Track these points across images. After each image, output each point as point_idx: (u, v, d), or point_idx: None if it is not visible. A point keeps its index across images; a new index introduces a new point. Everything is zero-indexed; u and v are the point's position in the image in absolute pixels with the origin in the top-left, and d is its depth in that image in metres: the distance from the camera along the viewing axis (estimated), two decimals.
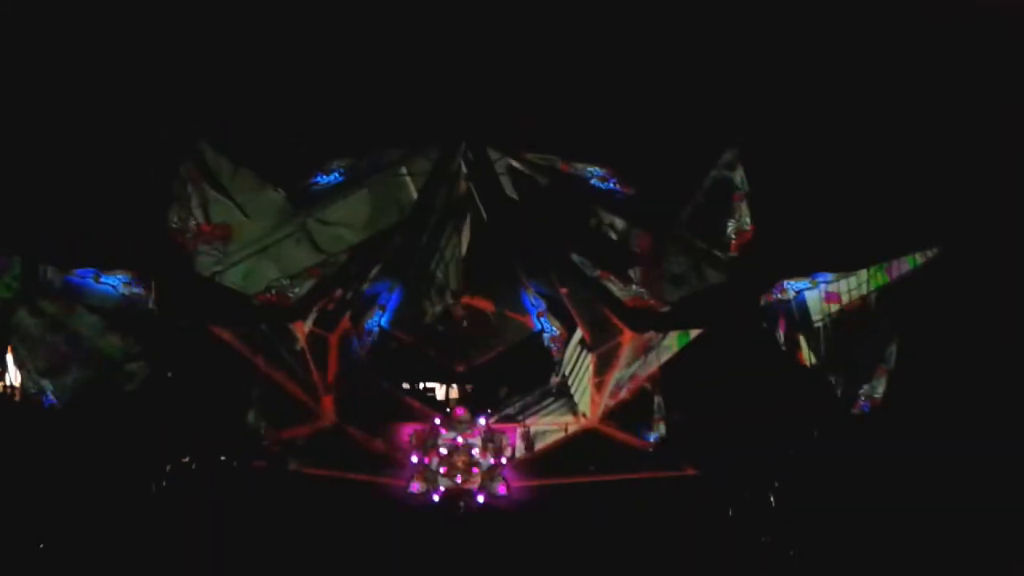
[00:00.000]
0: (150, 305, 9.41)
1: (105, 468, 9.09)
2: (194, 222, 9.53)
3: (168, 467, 9.32)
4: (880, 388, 9.89)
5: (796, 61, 10.29)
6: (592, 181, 10.21)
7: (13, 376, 9.48)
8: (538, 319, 10.05)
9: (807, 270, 10.18)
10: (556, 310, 10.10)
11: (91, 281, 9.38)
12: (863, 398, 9.99)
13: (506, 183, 10.08)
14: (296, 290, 9.67)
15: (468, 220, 9.99)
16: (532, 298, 10.11)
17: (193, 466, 9.38)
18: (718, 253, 10.14)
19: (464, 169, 9.87)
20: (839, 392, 9.99)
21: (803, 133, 10.15)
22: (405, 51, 9.94)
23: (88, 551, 8.54)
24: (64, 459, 9.06)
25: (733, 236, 10.13)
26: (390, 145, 9.96)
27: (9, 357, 9.39)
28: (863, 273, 9.99)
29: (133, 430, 9.22)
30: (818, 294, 10.17)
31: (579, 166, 10.27)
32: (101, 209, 9.42)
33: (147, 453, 9.25)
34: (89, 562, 8.45)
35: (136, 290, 9.42)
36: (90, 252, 9.44)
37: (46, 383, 9.21)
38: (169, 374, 9.51)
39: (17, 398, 9.45)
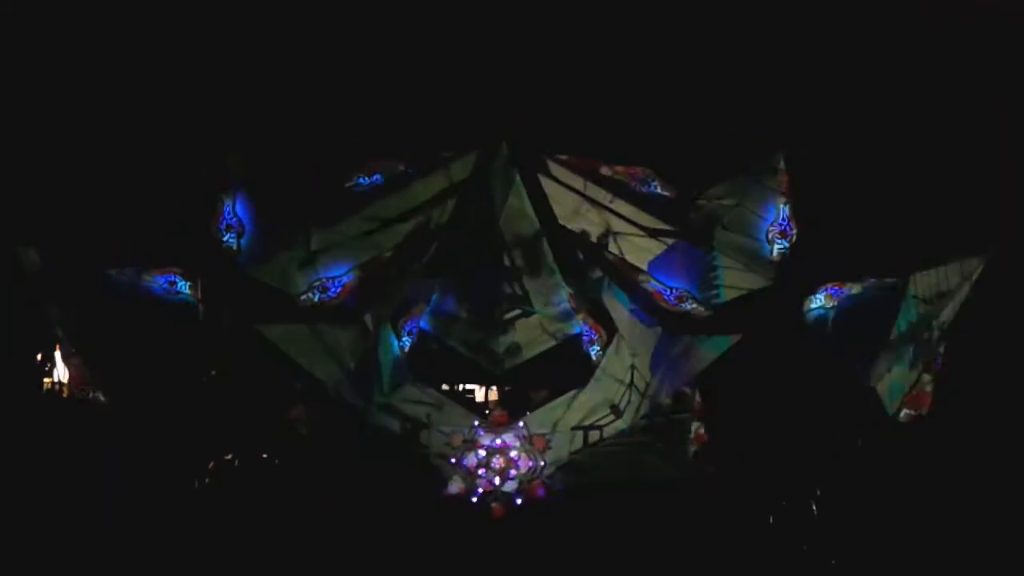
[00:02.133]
0: (196, 303, 9.53)
1: (150, 463, 9.20)
2: (238, 221, 9.61)
3: (211, 464, 9.42)
4: (925, 395, 9.77)
5: (842, 64, 10.20)
6: (633, 184, 10.17)
7: (61, 373, 9.64)
8: (578, 322, 10.04)
9: (852, 275, 10.08)
10: (596, 313, 10.11)
11: (138, 279, 9.51)
12: (907, 406, 9.86)
13: (547, 185, 10.07)
14: (337, 290, 9.75)
15: (507, 222, 9.99)
16: (572, 300, 10.10)
17: (236, 463, 9.47)
18: (760, 258, 10.05)
19: (505, 172, 9.88)
20: (883, 398, 9.86)
21: (847, 138, 10.06)
22: (446, 54, 9.98)
23: (133, 544, 8.63)
24: (110, 454, 9.16)
25: (776, 240, 10.03)
26: (432, 148, 9.98)
27: (57, 354, 9.59)
28: (909, 279, 9.89)
29: (178, 426, 9.33)
30: (862, 299, 10.05)
31: (620, 168, 10.24)
32: (148, 209, 9.54)
33: (191, 449, 9.36)
34: (134, 555, 8.54)
35: (182, 288, 9.55)
36: (138, 251, 9.58)
37: (94, 380, 9.34)
38: (213, 372, 9.60)
39: (65, 394, 9.59)
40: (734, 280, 10.10)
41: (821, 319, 10.09)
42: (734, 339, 9.72)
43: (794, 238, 10.06)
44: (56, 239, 9.36)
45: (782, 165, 10.06)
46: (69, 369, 9.41)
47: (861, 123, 10.15)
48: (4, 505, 8.75)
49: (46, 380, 9.83)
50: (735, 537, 9.17)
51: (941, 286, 9.79)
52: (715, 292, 10.04)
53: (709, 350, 9.76)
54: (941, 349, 9.78)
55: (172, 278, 9.60)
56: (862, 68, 10.18)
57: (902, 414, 9.85)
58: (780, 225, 10.05)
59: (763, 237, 10.08)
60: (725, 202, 10.12)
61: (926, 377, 9.79)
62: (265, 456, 9.61)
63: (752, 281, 10.08)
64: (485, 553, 9.05)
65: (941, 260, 9.81)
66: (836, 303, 10.09)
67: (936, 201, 10.06)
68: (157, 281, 9.57)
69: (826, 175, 10.05)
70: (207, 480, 9.44)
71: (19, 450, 9.11)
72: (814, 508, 9.55)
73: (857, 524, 9.36)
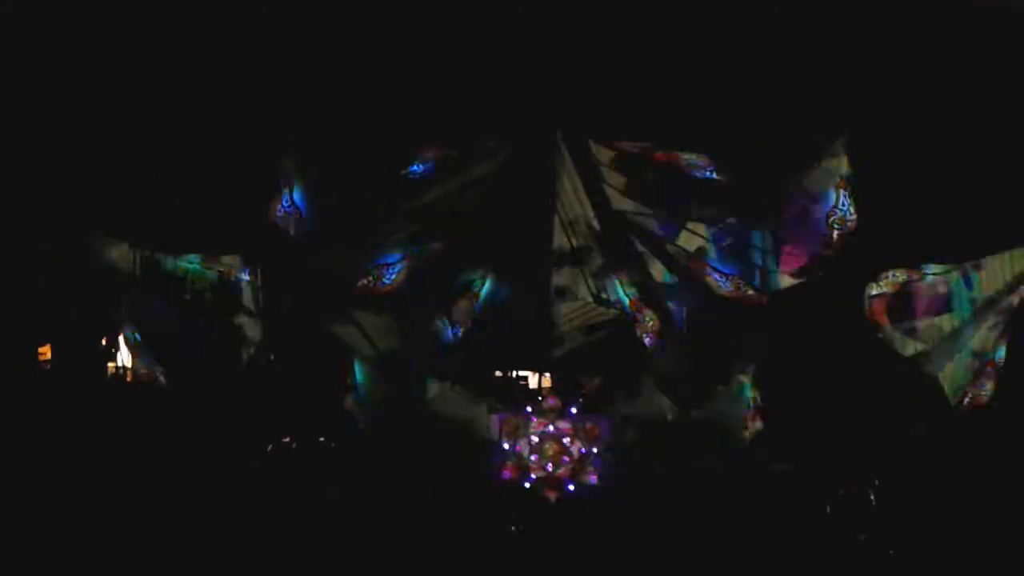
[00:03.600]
0: (255, 290, 9.70)
1: (210, 446, 9.43)
2: (295, 210, 9.72)
3: (270, 447, 9.62)
4: (988, 386, 9.56)
5: (906, 44, 9.89)
6: (687, 170, 10.05)
7: (125, 358, 9.91)
8: (631, 308, 9.99)
9: (913, 261, 9.86)
10: (649, 300, 10.04)
11: (199, 266, 9.70)
12: (969, 395, 9.65)
13: (600, 171, 10.00)
14: (392, 277, 9.84)
15: (560, 208, 9.96)
16: (626, 287, 10.05)
17: (293, 446, 9.65)
18: (820, 244, 9.87)
19: (557, 157, 9.84)
20: (944, 388, 9.67)
21: (910, 120, 9.78)
22: (500, 39, 9.90)
23: (194, 525, 8.87)
24: (173, 438, 9.41)
25: (836, 226, 9.83)
26: (484, 135, 9.97)
27: (121, 339, 9.85)
28: (971, 265, 9.65)
29: (237, 411, 9.55)
30: (925, 286, 9.84)
31: (675, 154, 10.11)
32: (209, 196, 9.68)
33: (250, 432, 9.58)
34: (194, 536, 8.78)
35: (242, 275, 9.72)
36: (199, 238, 9.75)
37: (156, 364, 9.58)
38: (272, 357, 9.78)
39: (129, 379, 9.86)
40: (792, 266, 9.92)
41: (883, 306, 9.89)
42: (793, 326, 9.62)
43: (855, 223, 9.82)
44: (121, 226, 9.58)
45: (843, 149, 9.82)
46: (132, 354, 9.64)
47: (926, 104, 9.85)
48: (73, 483, 9.07)
49: (110, 365, 10.14)
50: (790, 527, 9.12)
51: (1006, 272, 9.55)
52: (772, 278, 9.88)
53: (766, 338, 9.66)
54: (1005, 337, 9.54)
55: (232, 265, 9.75)
56: (927, 47, 9.86)
57: (964, 403, 9.65)
58: (840, 210, 9.83)
59: (823, 222, 9.87)
60: (782, 187, 9.91)
61: (989, 366, 9.58)
62: (322, 439, 9.76)
63: (811, 267, 9.89)
64: (537, 539, 9.13)
65: (1007, 245, 9.58)
66: (897, 289, 9.88)
67: (1002, 185, 9.75)
68: (218, 268, 9.73)
69: (889, 158, 9.77)
70: (266, 461, 9.63)
71: (86, 433, 9.39)
72: (872, 498, 9.43)
73: (916, 514, 9.23)
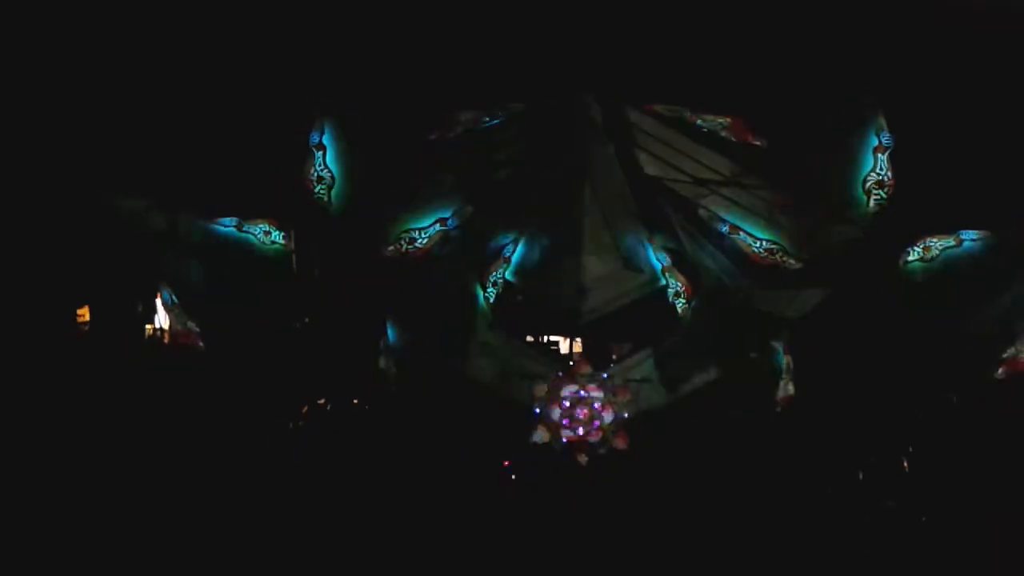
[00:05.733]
0: (289, 254, 9.78)
1: (246, 407, 9.57)
2: (328, 174, 9.75)
3: (305, 407, 9.74)
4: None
5: (944, 7, 9.69)
6: (721, 133, 9.94)
7: (163, 320, 10.04)
8: (663, 274, 9.95)
9: (951, 227, 9.73)
10: (681, 265, 10.00)
11: (234, 230, 9.79)
12: (1007, 360, 9.55)
13: (634, 135, 9.93)
14: (424, 241, 9.87)
15: (592, 172, 9.91)
16: (657, 252, 10.00)
17: (328, 407, 9.76)
18: (856, 208, 9.75)
19: (591, 122, 9.78)
20: (981, 354, 9.57)
21: (949, 85, 9.60)
22: (530, 6, 9.84)
23: (228, 485, 9.02)
24: (210, 397, 9.55)
25: (873, 191, 9.71)
26: (517, 99, 9.92)
27: (159, 302, 9.99)
28: (1012, 232, 9.51)
29: (273, 372, 9.65)
30: (962, 252, 9.73)
31: (708, 117, 10.00)
32: (244, 160, 9.73)
33: (286, 393, 9.69)
34: (229, 496, 8.93)
35: (276, 239, 9.80)
36: (233, 201, 9.83)
37: (193, 326, 9.71)
38: (306, 319, 9.87)
39: (166, 341, 10.01)
40: (828, 232, 9.83)
41: (919, 272, 9.79)
42: (826, 293, 9.55)
43: (892, 188, 9.70)
44: (157, 190, 9.68)
45: (880, 113, 9.67)
46: (169, 317, 9.78)
47: (964, 70, 9.65)
48: (112, 444, 9.25)
49: (148, 327, 10.29)
50: (821, 494, 9.11)
51: None
52: (807, 244, 9.79)
53: (801, 303, 9.60)
54: None
55: (267, 228, 9.83)
56: (965, 10, 9.66)
57: (1000, 372, 9.56)
58: (878, 174, 9.70)
59: (859, 187, 9.75)
60: (820, 152, 9.80)
61: None
62: (356, 402, 9.86)
63: (847, 233, 9.79)
64: (569, 501, 9.20)
65: None
66: (936, 256, 9.77)
67: None
68: (253, 231, 9.81)
69: (928, 122, 9.62)
70: (301, 423, 9.76)
71: (124, 393, 9.56)
72: (905, 465, 9.39)
73: (949, 483, 9.18)
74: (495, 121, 10.01)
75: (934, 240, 9.78)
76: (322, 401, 9.85)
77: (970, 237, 9.70)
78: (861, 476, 9.34)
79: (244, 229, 9.78)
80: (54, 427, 9.29)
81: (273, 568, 8.60)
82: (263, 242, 9.77)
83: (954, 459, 9.28)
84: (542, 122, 9.93)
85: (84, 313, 10.36)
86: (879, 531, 9.01)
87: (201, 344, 9.72)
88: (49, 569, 8.36)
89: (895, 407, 9.40)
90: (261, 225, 9.81)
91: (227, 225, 9.78)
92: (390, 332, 9.82)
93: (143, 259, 9.79)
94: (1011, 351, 9.48)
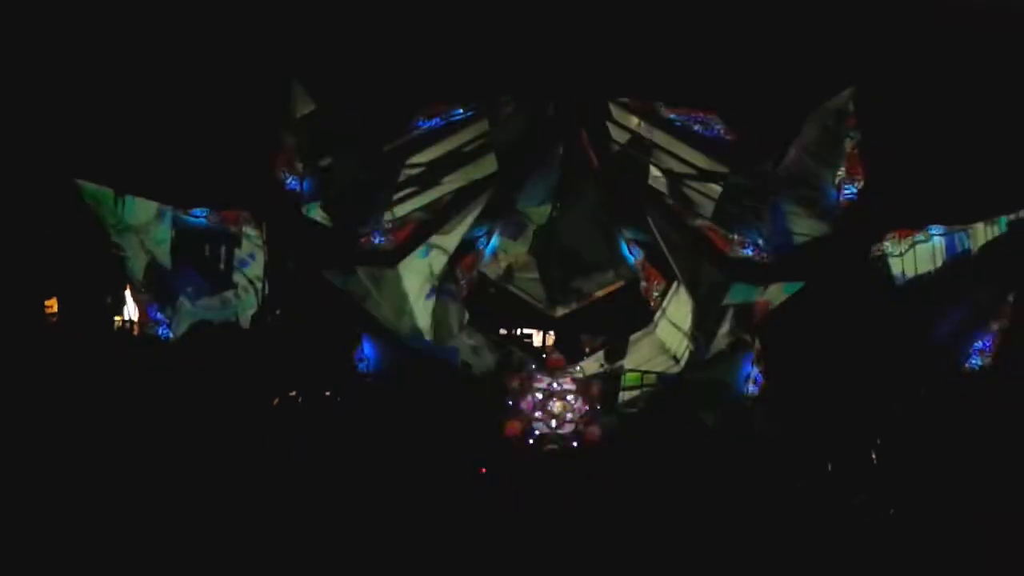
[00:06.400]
0: (261, 244, 9.71)
1: (215, 400, 9.47)
2: (301, 165, 9.70)
3: (276, 400, 9.68)
4: (990, 348, 9.57)
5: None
6: (696, 127, 9.99)
7: (131, 311, 9.95)
8: (637, 267, 9.99)
9: (921, 222, 9.82)
10: (655, 258, 10.04)
11: (205, 220, 9.72)
12: (974, 356, 9.67)
13: (608, 128, 9.96)
14: (398, 232, 9.84)
15: (566, 164, 9.92)
16: (631, 246, 10.04)
17: (300, 400, 9.72)
18: (825, 203, 9.83)
19: (565, 114, 9.79)
20: (949, 349, 9.68)
21: (919, 78, 9.70)
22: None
23: (197, 478, 8.92)
24: (178, 390, 9.45)
25: (843, 185, 9.79)
26: (491, 91, 9.91)
27: (127, 293, 9.88)
28: (979, 226, 9.63)
29: (244, 365, 9.58)
30: (931, 247, 9.83)
31: (682, 111, 10.05)
32: (216, 150, 9.66)
33: (256, 386, 9.62)
34: (197, 489, 8.83)
35: (248, 230, 9.74)
36: (205, 192, 9.75)
37: (162, 318, 9.62)
38: (277, 311, 9.81)
39: (135, 332, 9.90)
40: (797, 226, 9.90)
41: (888, 267, 9.88)
42: (796, 287, 9.63)
43: (862, 183, 9.78)
44: (125, 180, 9.59)
45: (851, 107, 9.75)
46: (139, 307, 9.69)
47: (933, 65, 9.76)
48: (76, 432, 9.13)
49: (116, 318, 10.18)
50: (790, 485, 9.15)
51: (1013, 236, 9.53)
52: (778, 238, 9.86)
53: (771, 298, 9.67)
54: (1010, 300, 9.54)
55: (239, 219, 9.76)
56: (937, 9, 9.77)
57: (968, 365, 9.68)
58: (847, 169, 9.78)
59: (829, 182, 9.82)
60: (792, 147, 9.86)
61: (993, 328, 9.59)
62: (328, 394, 9.81)
63: (816, 227, 9.87)
64: (541, 493, 9.19)
65: (1015, 208, 9.54)
66: (905, 250, 9.86)
67: (1012, 148, 9.68)
68: (224, 222, 9.74)
69: (897, 117, 9.72)
70: (272, 415, 9.68)
71: (92, 382, 9.45)
72: (874, 457, 9.45)
73: (917, 475, 9.25)
74: (469, 114, 10.02)
75: (905, 235, 9.85)
76: (294, 393, 9.74)
77: (939, 232, 9.79)
78: (830, 468, 9.38)
79: (216, 219, 9.71)
80: (21, 419, 9.15)
81: (243, 559, 8.52)
82: (235, 233, 9.69)
83: (924, 453, 9.35)
84: (516, 116, 9.94)
85: (52, 304, 10.24)
86: (849, 524, 9.07)
87: (171, 336, 9.63)
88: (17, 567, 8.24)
89: (865, 400, 9.47)
90: (233, 215, 9.75)
91: (199, 215, 9.71)
92: (363, 323, 9.82)
93: (112, 249, 9.66)
94: (979, 344, 9.57)
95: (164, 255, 9.67)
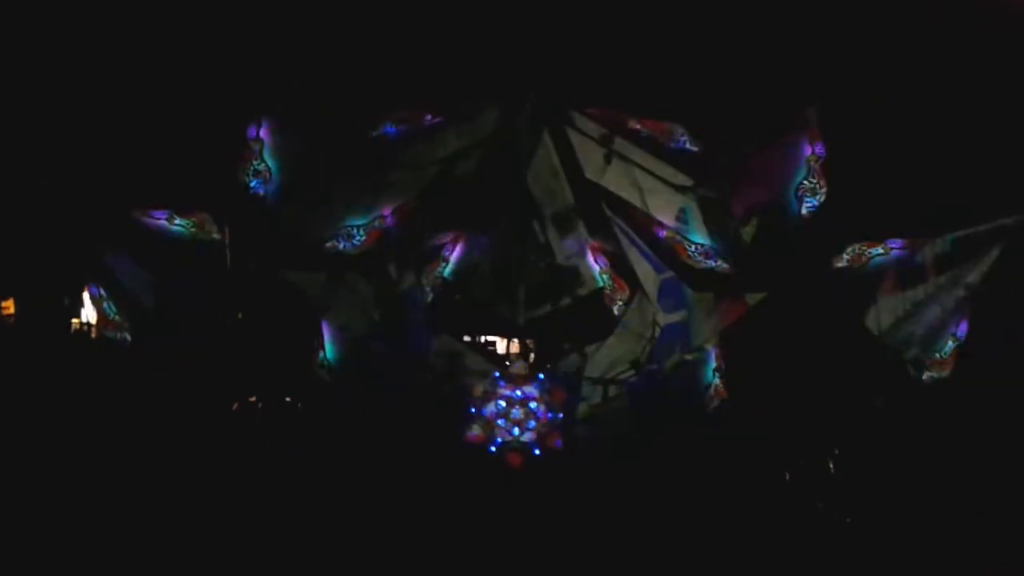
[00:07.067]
0: (223, 248, 9.62)
1: (175, 404, 9.37)
2: (265, 168, 9.63)
3: (235, 405, 9.58)
4: (949, 359, 9.72)
5: (877, 15, 9.93)
6: (661, 138, 10.06)
7: (89, 313, 9.80)
8: (601, 276, 10.04)
9: (880, 234, 9.96)
10: (619, 267, 10.09)
11: (165, 223, 9.61)
12: (931, 367, 9.81)
13: (574, 138, 10.00)
14: (361, 238, 9.80)
15: (533, 174, 9.95)
16: (596, 255, 10.09)
17: (259, 405, 9.63)
18: (787, 215, 9.93)
19: (531, 124, 9.82)
20: (906, 361, 9.81)
21: (883, 93, 9.85)
22: (475, 3, 9.85)
23: (159, 483, 8.80)
24: (136, 394, 9.33)
25: (804, 198, 9.90)
26: (458, 99, 9.92)
27: (86, 295, 9.74)
28: (936, 242, 9.78)
29: (203, 368, 9.47)
30: (889, 260, 9.96)
31: (648, 122, 10.12)
32: (177, 152, 9.57)
33: (215, 390, 9.52)
34: (160, 494, 8.72)
35: (211, 233, 9.64)
36: (167, 194, 9.65)
37: (121, 321, 9.50)
38: (239, 315, 9.73)
39: (93, 335, 9.76)
40: (760, 237, 9.99)
41: (847, 278, 10.00)
42: (758, 298, 9.72)
43: (823, 196, 9.90)
44: (85, 182, 9.45)
45: (814, 121, 9.87)
46: (96, 310, 9.55)
47: (894, 79, 9.92)
48: (35, 440, 8.97)
49: (74, 321, 10.03)
50: (751, 493, 9.21)
51: (970, 248, 9.69)
52: (740, 249, 9.94)
53: (731, 306, 9.76)
54: (967, 312, 9.70)
55: (199, 222, 9.66)
56: (898, 20, 9.92)
57: (925, 376, 9.82)
58: (810, 183, 9.90)
59: (792, 194, 9.93)
60: (754, 159, 9.96)
61: (950, 340, 9.74)
62: (288, 399, 9.73)
63: (778, 238, 9.97)
64: (501, 502, 9.17)
65: (972, 221, 9.71)
66: (864, 262, 10.00)
67: (970, 161, 9.85)
68: (185, 224, 9.64)
69: (858, 131, 9.85)
70: (231, 420, 9.59)
71: (49, 387, 9.30)
72: (831, 467, 9.54)
73: (874, 484, 9.35)
74: (437, 121, 10.01)
75: (863, 247, 9.98)
76: (253, 399, 9.65)
77: (897, 246, 9.93)
78: (788, 477, 9.46)
79: (176, 222, 9.60)
80: None
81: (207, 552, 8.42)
82: (195, 235, 9.60)
83: (880, 461, 9.45)
84: (484, 123, 9.95)
85: (8, 306, 10.08)
86: (807, 531, 9.15)
87: (129, 339, 9.50)
88: None
89: (822, 409, 9.56)
90: (196, 218, 9.65)
91: (160, 218, 9.60)
92: (325, 329, 9.75)
93: (70, 251, 9.52)
94: (935, 355, 9.72)
95: (123, 256, 9.52)
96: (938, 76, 10.02)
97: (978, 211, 9.66)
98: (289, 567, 7.86)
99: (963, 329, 9.81)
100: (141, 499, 8.56)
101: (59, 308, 10.01)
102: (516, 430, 9.55)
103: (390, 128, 9.96)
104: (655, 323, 10.05)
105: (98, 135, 9.68)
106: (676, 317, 10.04)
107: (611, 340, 10.03)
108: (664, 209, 10.09)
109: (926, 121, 9.97)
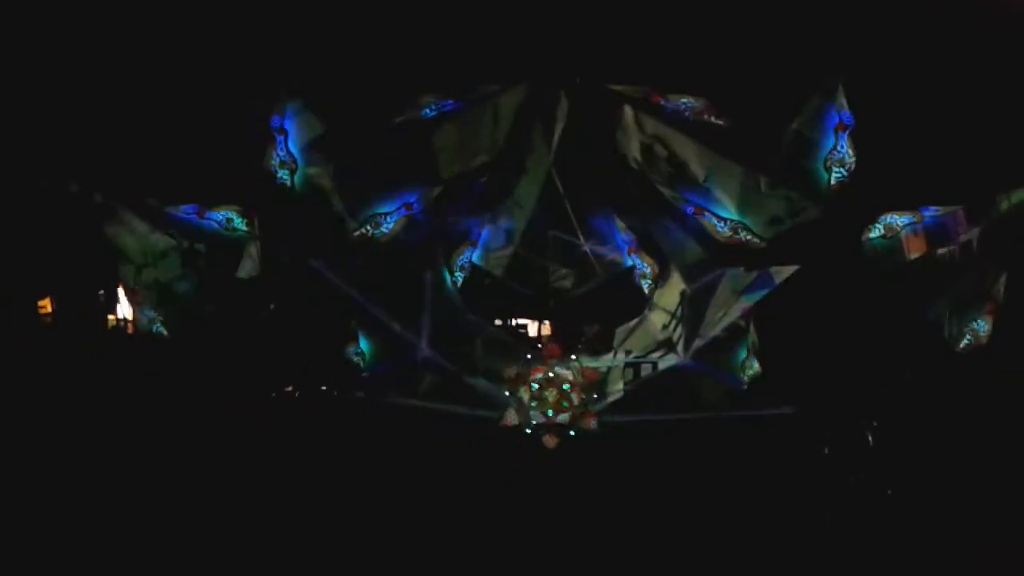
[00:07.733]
0: (253, 240, 9.68)
1: (212, 396, 9.48)
2: (291, 158, 9.65)
3: (272, 395, 9.67)
4: (986, 327, 9.60)
5: None
6: (686, 113, 9.95)
7: (125, 310, 9.91)
8: (629, 255, 10.00)
9: (912, 204, 9.82)
10: (648, 246, 10.04)
11: (195, 217, 9.67)
12: (967, 337, 9.70)
13: (600, 116, 9.92)
14: (390, 226, 9.82)
15: (561, 154, 9.89)
16: (623, 234, 10.04)
17: (296, 395, 9.71)
18: (818, 187, 9.82)
19: (556, 102, 9.75)
20: (942, 331, 9.71)
21: (911, 60, 9.67)
22: None
23: (195, 476, 8.94)
24: (174, 387, 9.45)
25: (834, 169, 9.77)
26: (482, 81, 9.85)
27: (121, 292, 9.85)
28: (973, 209, 9.64)
29: (239, 360, 9.57)
30: (923, 229, 9.83)
31: (673, 97, 10.00)
32: (205, 146, 9.60)
33: (252, 382, 9.61)
34: (194, 487, 8.85)
35: (239, 225, 9.70)
36: (195, 188, 9.71)
37: (156, 316, 9.60)
38: (272, 306, 9.79)
39: (130, 331, 9.88)
40: (790, 210, 9.88)
41: (880, 250, 9.89)
42: (790, 271, 9.63)
43: (853, 166, 9.76)
44: (116, 178, 9.53)
45: (842, 91, 9.73)
46: (132, 306, 9.65)
47: (924, 49, 9.73)
48: (78, 432, 9.13)
49: (111, 317, 10.16)
50: (788, 469, 9.20)
51: (1007, 216, 9.54)
52: (770, 223, 9.85)
53: (763, 284, 9.69)
54: (1003, 281, 9.57)
55: (229, 215, 9.71)
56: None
57: (961, 346, 9.71)
58: (839, 152, 9.76)
59: (821, 165, 9.80)
60: (782, 131, 9.84)
61: (987, 309, 9.61)
62: (324, 388, 9.81)
63: (809, 212, 9.86)
64: (538, 483, 9.22)
65: (1007, 189, 9.55)
66: (896, 233, 9.88)
67: (1003, 131, 9.66)
68: (215, 218, 9.70)
69: (889, 100, 9.68)
70: (269, 411, 9.69)
71: (89, 382, 9.44)
72: (870, 439, 9.50)
73: (913, 456, 9.30)
74: (460, 104, 9.96)
75: (896, 217, 9.86)
76: (290, 388, 9.74)
77: (931, 213, 9.79)
78: (826, 451, 9.42)
79: (207, 216, 9.67)
80: (20, 420, 9.14)
81: (244, 555, 8.56)
82: (225, 229, 9.67)
83: (915, 435, 9.40)
84: (508, 105, 9.88)
85: (46, 304, 10.21)
86: (846, 505, 9.13)
87: (165, 333, 9.61)
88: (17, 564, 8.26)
89: (857, 383, 9.50)
90: (224, 211, 9.70)
91: (189, 212, 9.66)
92: (357, 319, 9.81)
93: (105, 248, 9.62)
94: (971, 327, 9.61)
95: (158, 253, 9.62)
96: (970, 43, 9.82)
97: (1015, 177, 9.51)
98: (338, 553, 8.01)
99: (1000, 295, 9.66)
100: (177, 490, 8.73)
101: (95, 305, 10.10)
102: (550, 412, 9.58)
103: (414, 113, 9.88)
104: (684, 300, 9.99)
105: (123, 134, 9.72)
106: (705, 294, 9.96)
107: (642, 319, 10.00)
108: (692, 185, 9.99)
109: (958, 86, 9.78)
